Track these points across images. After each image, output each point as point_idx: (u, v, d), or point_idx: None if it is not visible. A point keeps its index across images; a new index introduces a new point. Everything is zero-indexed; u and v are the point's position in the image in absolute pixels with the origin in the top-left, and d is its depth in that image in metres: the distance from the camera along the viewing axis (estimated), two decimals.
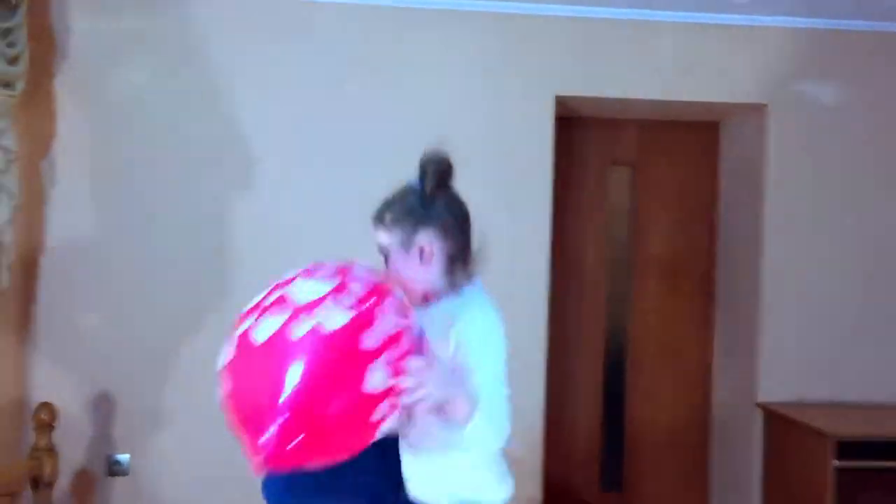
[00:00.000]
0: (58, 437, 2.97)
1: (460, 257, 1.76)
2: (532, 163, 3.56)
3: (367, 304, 1.49)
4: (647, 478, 4.11)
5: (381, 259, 1.77)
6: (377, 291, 1.52)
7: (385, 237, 1.76)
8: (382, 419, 1.47)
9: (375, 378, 1.44)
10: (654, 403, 4.12)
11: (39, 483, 2.86)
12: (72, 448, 3.26)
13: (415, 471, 1.78)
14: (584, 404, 4.10)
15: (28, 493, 2.87)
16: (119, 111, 3.39)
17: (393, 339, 1.48)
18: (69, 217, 3.37)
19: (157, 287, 3.40)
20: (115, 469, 3.36)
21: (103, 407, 3.34)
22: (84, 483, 3.34)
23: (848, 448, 3.14)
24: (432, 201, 1.75)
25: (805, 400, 3.64)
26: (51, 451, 2.90)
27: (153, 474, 3.35)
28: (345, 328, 1.45)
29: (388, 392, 1.46)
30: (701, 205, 4.15)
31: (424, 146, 1.78)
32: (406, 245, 1.74)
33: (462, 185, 3.45)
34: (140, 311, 3.39)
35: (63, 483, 3.21)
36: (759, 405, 3.66)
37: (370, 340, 1.46)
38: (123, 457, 3.37)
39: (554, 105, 3.57)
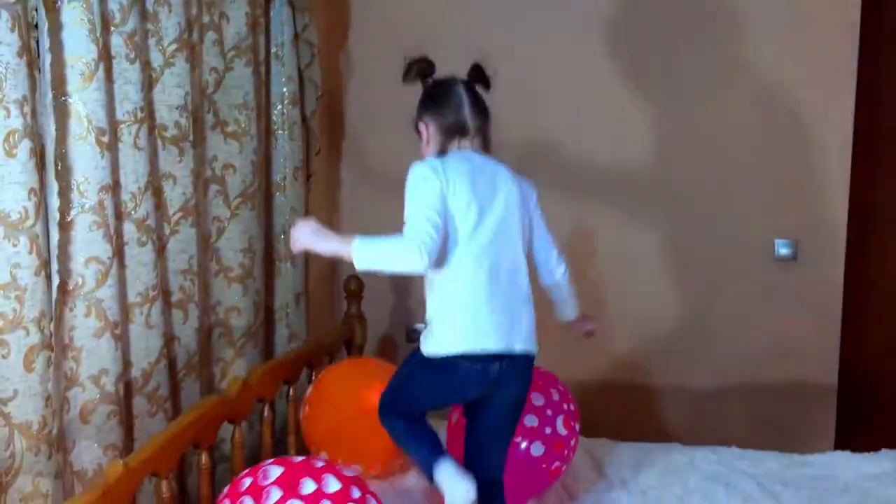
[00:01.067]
0: (365, 306, 3.29)
1: (454, 132, 2.16)
2: (836, 19, 3.20)
3: None
4: None
5: None
6: None
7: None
8: None
9: None
10: None
11: (352, 346, 3.20)
12: (377, 316, 3.60)
13: None
14: (891, 290, 3.76)
15: (343, 354, 3.23)
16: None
17: None
18: (366, 104, 3.61)
19: None
20: (412, 336, 3.67)
21: (402, 280, 3.63)
22: (387, 348, 3.70)
23: None
24: (425, 95, 2.22)
25: None
26: (360, 318, 3.22)
27: None
28: None
29: None
30: None
31: None
32: (418, 133, 2.25)
33: (752, 44, 3.16)
34: None
35: (371, 347, 3.58)
36: None
37: None
38: (421, 326, 3.66)
39: None
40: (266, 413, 2.57)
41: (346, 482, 1.87)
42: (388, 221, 3.58)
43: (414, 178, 2.08)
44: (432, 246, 1.99)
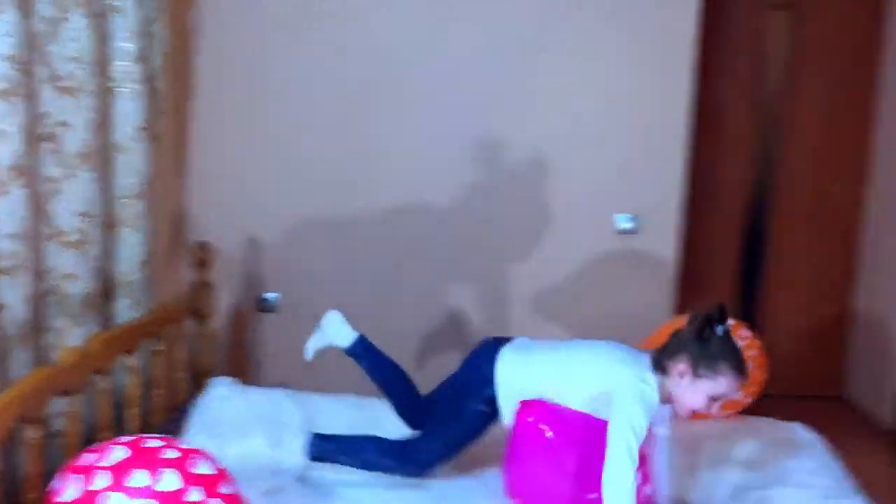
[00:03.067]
0: (214, 274, 3.18)
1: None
2: (675, 3, 3.34)
3: None
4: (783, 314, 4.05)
5: None
6: None
7: None
8: None
9: None
10: (795, 265, 4.00)
11: (199, 315, 3.10)
12: (227, 285, 3.50)
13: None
14: (721, 258, 4.02)
15: (191, 323, 3.12)
16: None
17: None
18: (216, 66, 3.47)
19: (303, 131, 3.49)
20: (264, 306, 3.59)
21: (255, 247, 3.54)
22: (237, 318, 3.60)
23: None
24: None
25: None
26: (207, 286, 3.12)
27: (299, 312, 3.55)
28: None
29: None
30: (866, 56, 3.83)
31: None
32: None
33: (593, 28, 3.26)
34: (289, 157, 3.51)
35: (220, 317, 3.47)
36: None
37: None
38: (273, 295, 3.59)
39: None
40: (104, 385, 2.45)
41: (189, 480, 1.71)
42: (239, 186, 3.51)
43: None
44: None
